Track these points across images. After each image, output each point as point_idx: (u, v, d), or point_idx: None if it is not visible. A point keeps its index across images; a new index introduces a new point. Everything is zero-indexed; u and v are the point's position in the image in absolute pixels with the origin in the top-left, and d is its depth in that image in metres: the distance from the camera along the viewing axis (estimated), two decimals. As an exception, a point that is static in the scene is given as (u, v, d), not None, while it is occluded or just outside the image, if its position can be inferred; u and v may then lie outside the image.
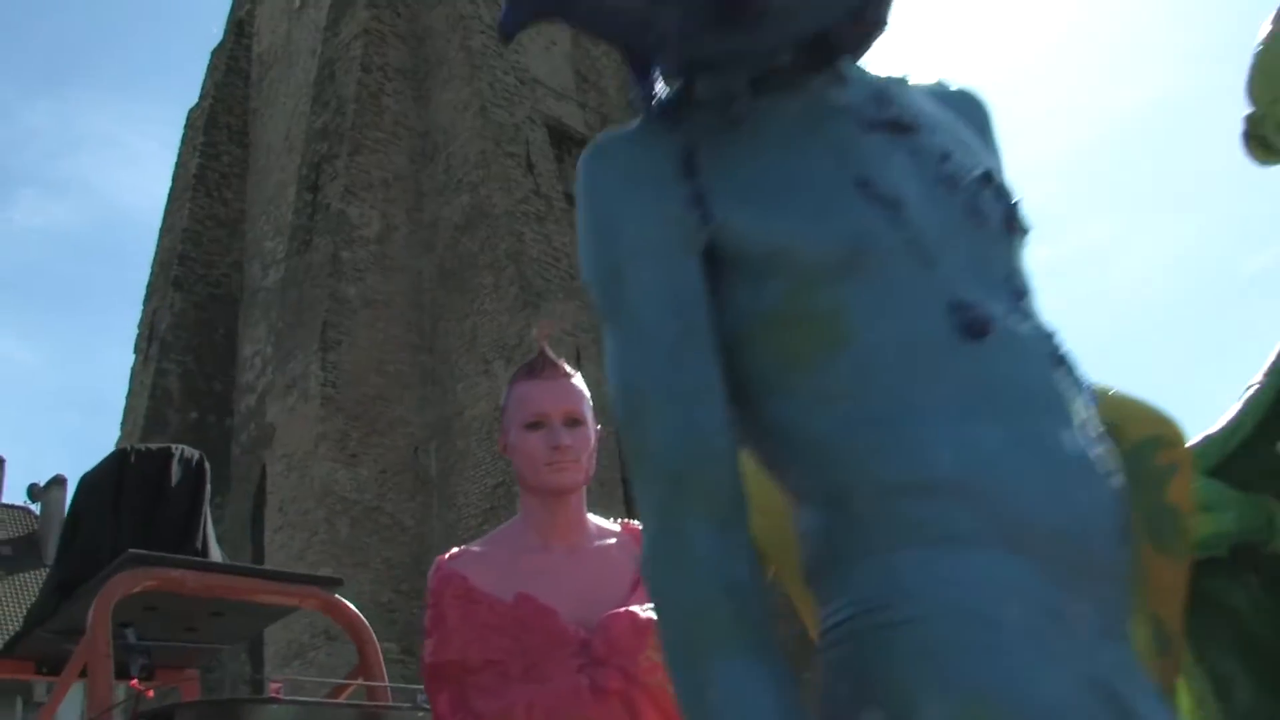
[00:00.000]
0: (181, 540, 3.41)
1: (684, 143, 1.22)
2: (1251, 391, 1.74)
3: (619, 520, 2.20)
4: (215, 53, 28.78)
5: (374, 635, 4.01)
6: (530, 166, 21.64)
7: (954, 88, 1.40)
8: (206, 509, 4.76)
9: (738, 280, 1.18)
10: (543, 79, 24.67)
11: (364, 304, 20.50)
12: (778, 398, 1.17)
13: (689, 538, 1.10)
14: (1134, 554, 1.17)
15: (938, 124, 1.29)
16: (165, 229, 26.59)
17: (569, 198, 22.60)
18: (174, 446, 4.72)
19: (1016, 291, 1.21)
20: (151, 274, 26.26)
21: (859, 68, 1.30)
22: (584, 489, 2.12)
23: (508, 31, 1.19)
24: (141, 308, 25.94)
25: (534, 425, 2.08)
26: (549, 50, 26.09)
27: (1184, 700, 1.71)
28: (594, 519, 2.11)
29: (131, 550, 4.93)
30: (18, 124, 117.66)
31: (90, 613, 4.41)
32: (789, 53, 1.21)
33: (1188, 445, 1.48)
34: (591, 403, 2.14)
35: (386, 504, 19.37)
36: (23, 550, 32.87)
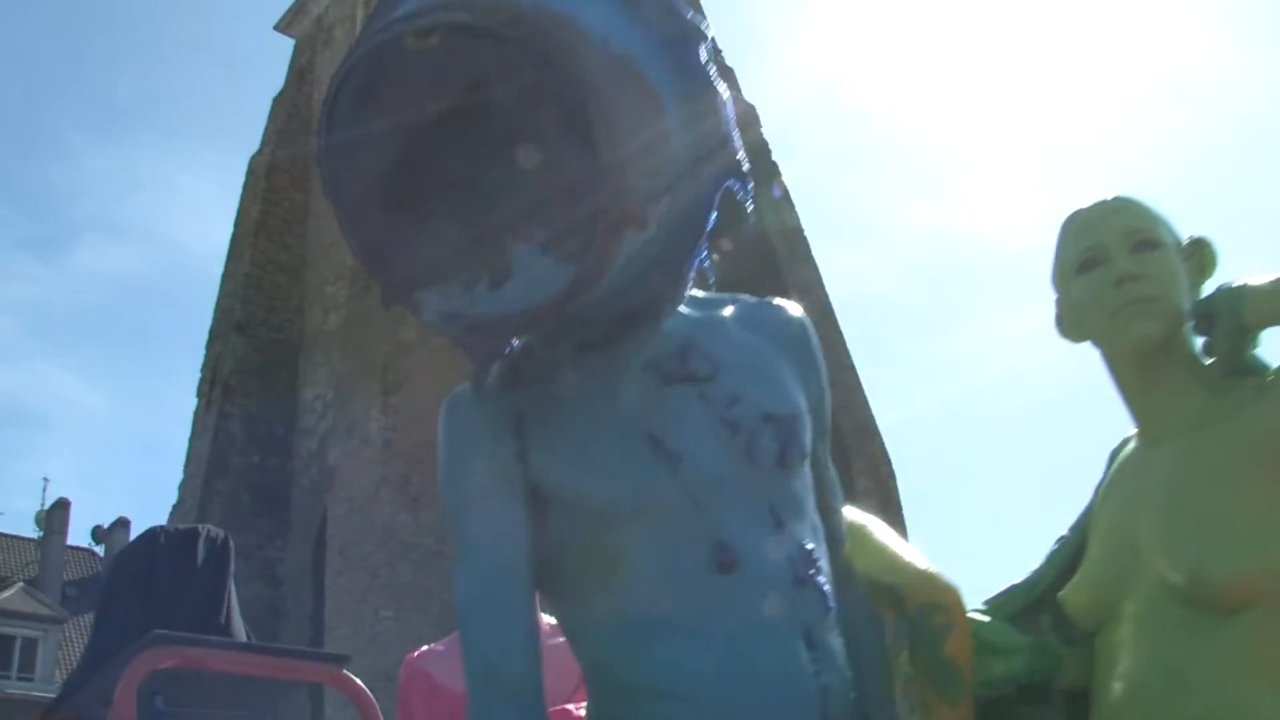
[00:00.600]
0: (206, 617, 3.63)
1: (516, 406, 1.49)
2: (1058, 545, 1.94)
3: None
4: (277, 100, 29.13)
5: (379, 711, 4.06)
6: (589, 210, 21.74)
7: (777, 311, 1.71)
8: (231, 586, 5.10)
9: (554, 515, 1.47)
10: (601, 123, 24.78)
11: (424, 347, 20.57)
12: (577, 608, 1.51)
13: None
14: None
15: (738, 364, 1.55)
16: (228, 274, 26.87)
17: (627, 240, 22.68)
18: (200, 526, 5.07)
19: (779, 520, 1.47)
20: (214, 319, 26.53)
21: (679, 315, 1.56)
22: None
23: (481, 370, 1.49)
24: (205, 352, 26.21)
25: None
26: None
27: None
28: (546, 619, 1.84)
29: (156, 631, 5.57)
30: (81, 170, 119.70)
31: (118, 687, 4.72)
32: (606, 325, 1.46)
33: (965, 607, 1.68)
34: None
35: (448, 547, 19.36)
36: (88, 591, 33.20)
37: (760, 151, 27.40)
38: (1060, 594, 1.86)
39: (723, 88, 1.43)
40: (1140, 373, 1.84)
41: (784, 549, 1.46)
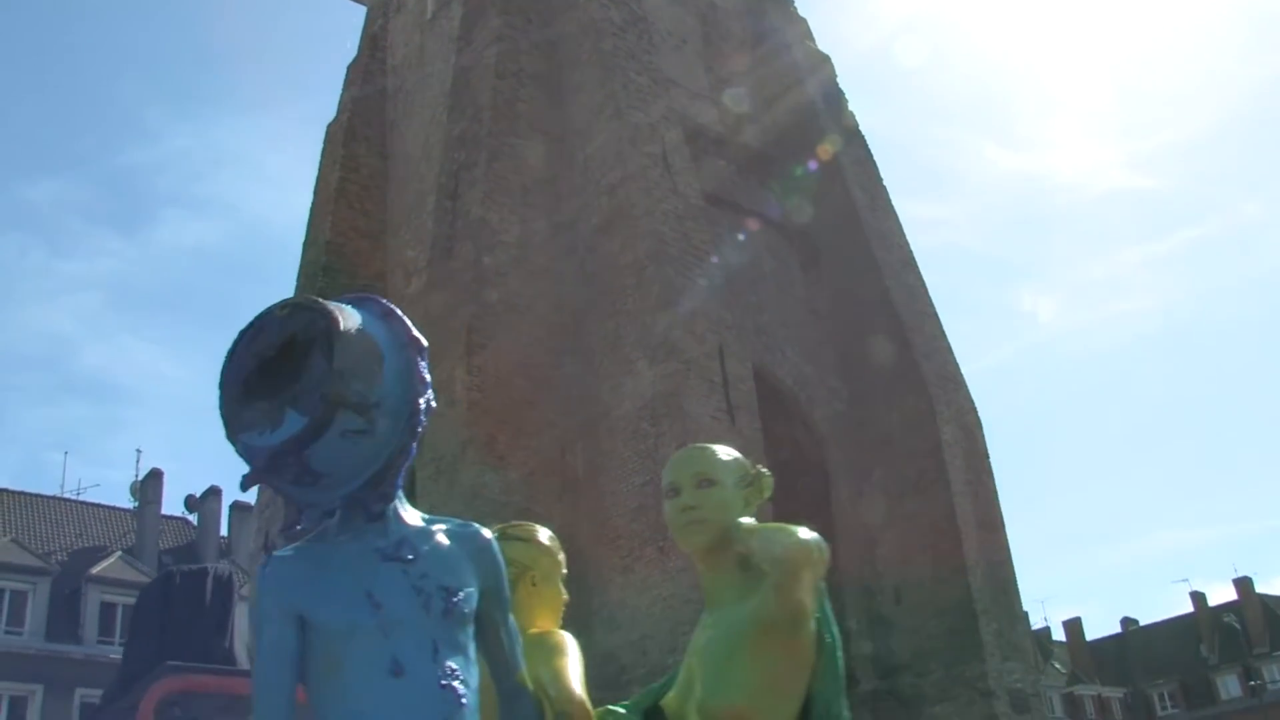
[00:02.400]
0: (213, 643, 4.18)
1: (299, 568, 2.49)
2: (674, 668, 3.05)
3: None
4: (351, 67, 29.24)
5: None
6: (667, 166, 21.60)
7: (472, 531, 2.67)
8: (234, 615, 5.95)
9: (309, 633, 2.43)
10: (676, 79, 24.60)
11: (507, 308, 20.63)
12: (317, 695, 2.44)
13: None
14: None
15: (432, 556, 2.55)
16: (308, 243, 27.09)
17: (708, 197, 22.51)
18: (210, 566, 5.94)
19: (436, 649, 2.43)
20: (297, 287, 26.77)
21: (399, 522, 2.59)
22: None
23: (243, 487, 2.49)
24: (289, 320, 26.41)
25: None
26: (680, 49, 26.06)
27: None
28: None
29: (169, 662, 7.38)
30: (161, 147, 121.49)
31: (142, 706, 6.72)
32: (339, 504, 2.49)
33: (587, 711, 2.77)
34: None
35: (535, 505, 19.44)
36: (182, 559, 33.80)
37: (833, 100, 27.10)
38: (663, 700, 3.02)
39: (423, 368, 2.64)
40: (702, 563, 3.01)
41: (436, 667, 2.44)
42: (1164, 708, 63.52)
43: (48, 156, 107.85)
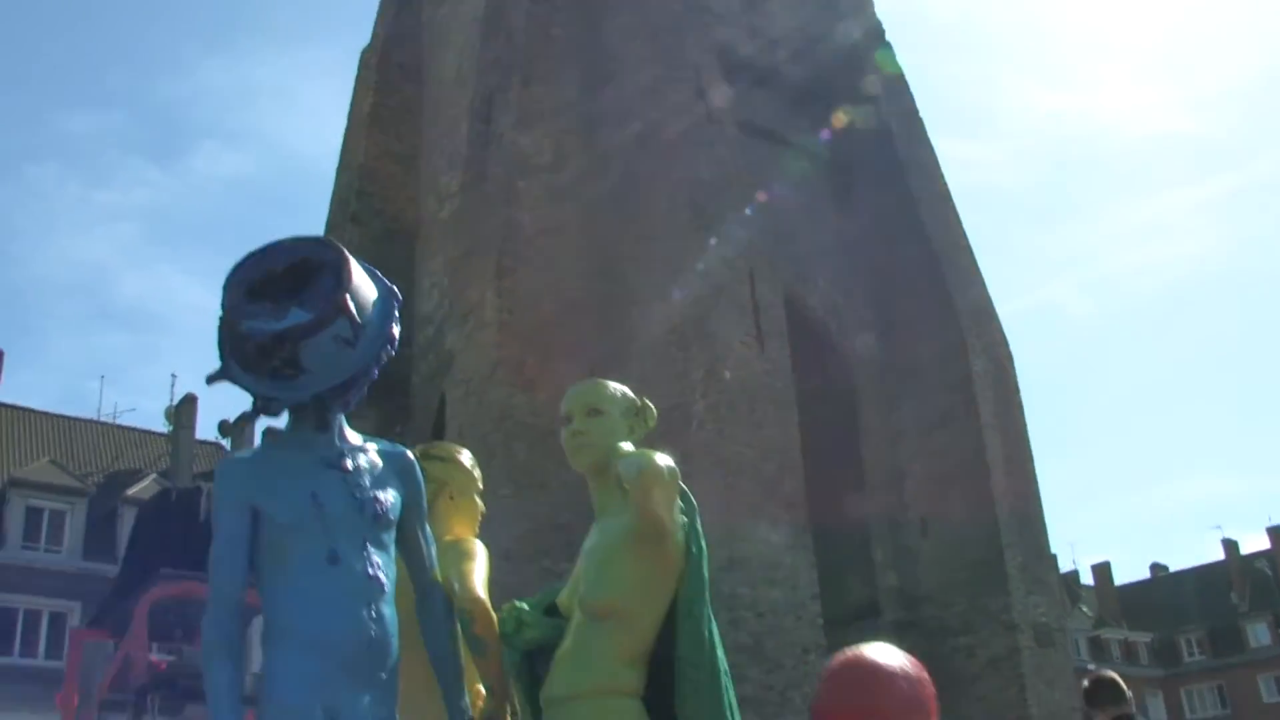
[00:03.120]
0: (206, 554, 4.36)
1: (254, 468, 3.01)
2: (569, 570, 3.56)
3: None
4: (386, -7, 29.12)
5: None
6: (702, 92, 21.47)
7: (398, 451, 3.23)
8: None
9: (260, 524, 2.93)
10: (710, 5, 24.38)
11: (538, 232, 20.62)
12: (266, 582, 2.94)
13: (218, 622, 2.85)
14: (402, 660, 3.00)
15: (366, 467, 3.08)
16: (342, 166, 27.12)
17: (742, 126, 22.36)
18: (203, 485, 6.12)
19: (364, 545, 2.96)
20: (330, 211, 26.83)
21: (342, 438, 3.10)
22: None
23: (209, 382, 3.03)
24: (322, 243, 26.50)
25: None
26: (717, -24, 25.80)
27: None
28: None
29: (163, 569, 8.85)
30: (196, 78, 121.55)
31: (136, 611, 7.96)
32: (306, 401, 2.98)
33: (484, 607, 3.29)
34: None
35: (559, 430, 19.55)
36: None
37: (872, 32, 26.82)
38: (558, 598, 3.53)
39: (396, 317, 3.24)
40: (592, 480, 3.56)
41: (365, 561, 2.97)
42: (1191, 654, 63.49)
43: (85, 89, 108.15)
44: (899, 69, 26.54)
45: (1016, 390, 23.71)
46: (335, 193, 26.90)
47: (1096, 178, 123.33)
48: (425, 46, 28.10)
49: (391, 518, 3.07)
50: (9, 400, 37.83)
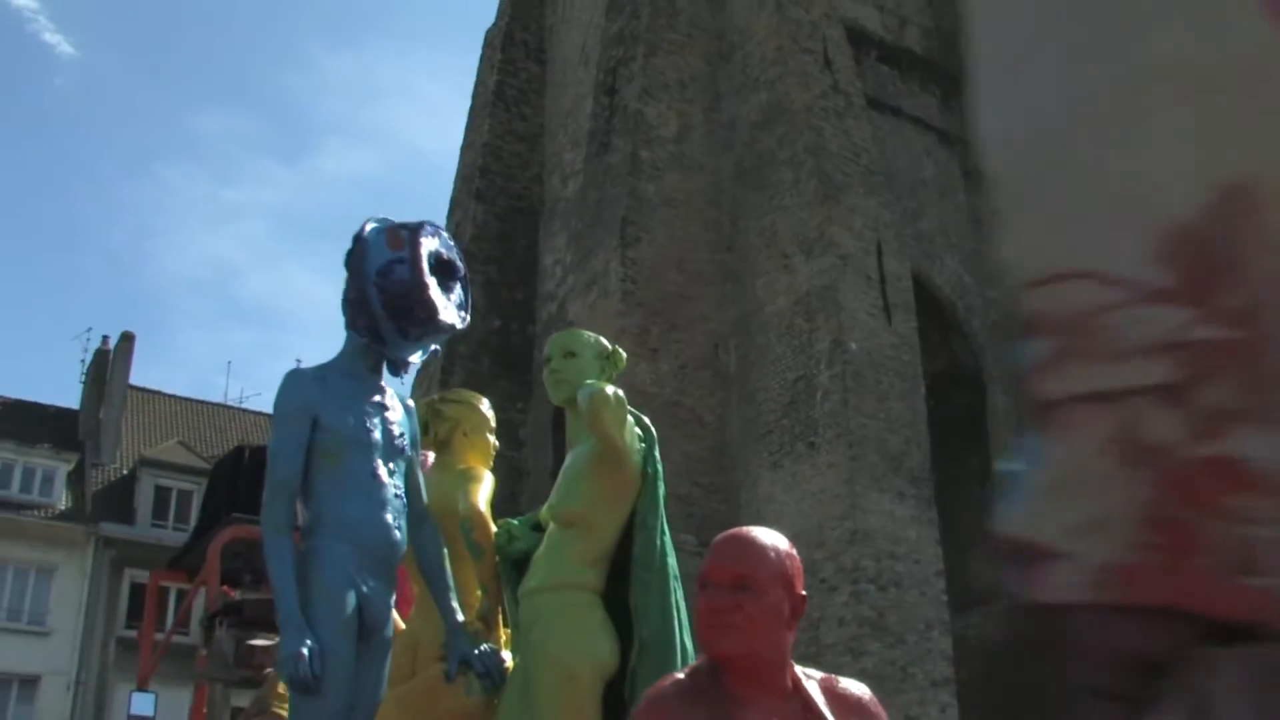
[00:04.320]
0: None
1: (320, 382, 3.64)
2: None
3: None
4: (511, -27, 29.27)
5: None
6: (828, 63, 21.17)
7: (403, 397, 3.87)
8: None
9: (317, 433, 3.56)
10: (838, -21, 24.07)
11: (663, 202, 20.49)
12: (317, 478, 3.56)
13: (278, 505, 3.52)
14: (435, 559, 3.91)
15: (394, 406, 3.73)
16: (466, 145, 27.27)
17: (869, 99, 22.01)
18: None
19: (393, 470, 3.62)
20: (454, 189, 27.01)
21: (382, 380, 3.79)
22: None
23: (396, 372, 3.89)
24: (445, 222, 26.72)
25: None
26: (843, -49, 25.48)
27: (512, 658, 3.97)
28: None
29: (234, 514, 9.60)
30: (322, 76, 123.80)
31: (209, 550, 8.65)
32: (399, 355, 3.76)
33: (482, 517, 4.04)
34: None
35: (686, 398, 19.37)
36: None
37: None
38: (541, 513, 4.00)
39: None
40: (568, 414, 4.04)
41: (392, 482, 3.63)
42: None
43: (214, 88, 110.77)
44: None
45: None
46: (459, 170, 27.07)
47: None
48: (548, 26, 28.17)
49: (409, 453, 3.77)
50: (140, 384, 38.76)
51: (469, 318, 3.81)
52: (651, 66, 21.57)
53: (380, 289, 3.62)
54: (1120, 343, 0.51)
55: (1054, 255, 0.52)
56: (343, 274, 3.75)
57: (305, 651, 3.30)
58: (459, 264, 3.82)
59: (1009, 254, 0.59)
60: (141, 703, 13.22)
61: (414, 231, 3.72)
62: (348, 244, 3.73)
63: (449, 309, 3.70)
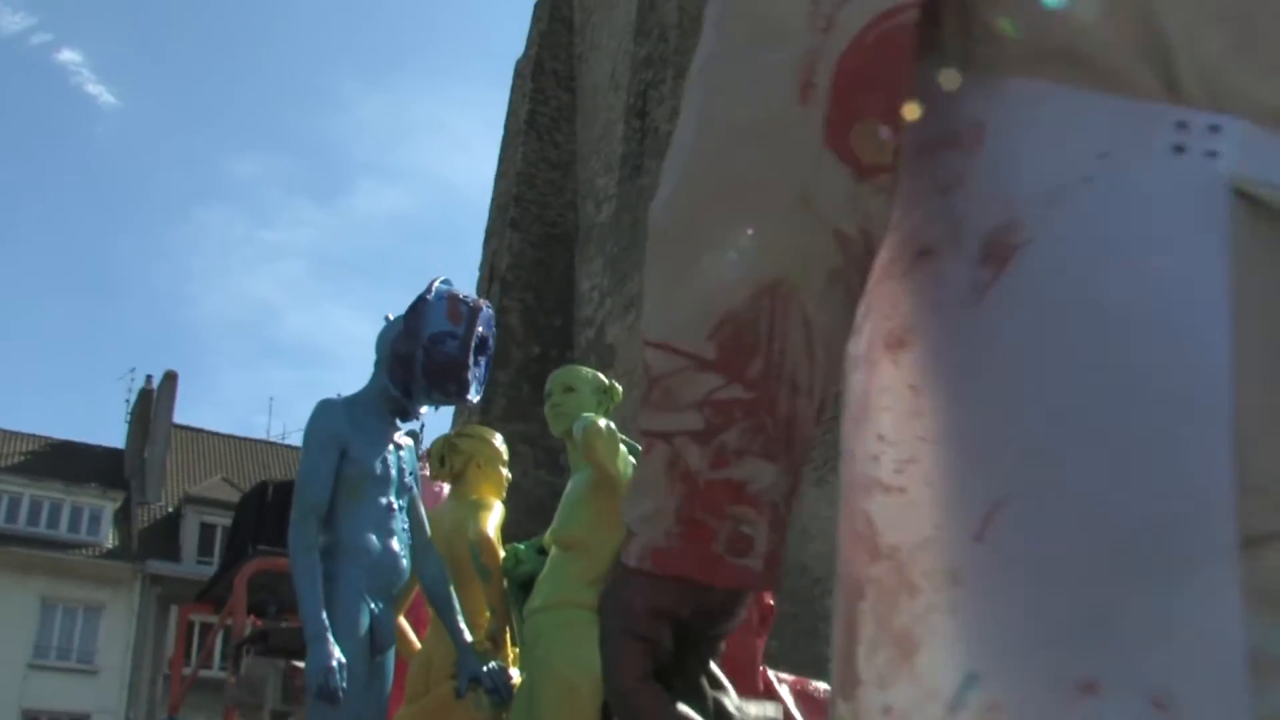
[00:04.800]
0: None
1: (349, 418, 4.01)
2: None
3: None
4: (539, 4, 29.46)
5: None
6: (858, 78, 21.21)
7: (409, 437, 4.24)
8: None
9: (344, 463, 3.93)
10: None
11: (696, 223, 20.53)
12: (339, 506, 3.91)
13: (306, 528, 3.82)
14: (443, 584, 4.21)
15: (406, 449, 4.14)
16: (500, 174, 27.44)
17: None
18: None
19: (399, 504, 4.04)
20: (490, 217, 27.15)
21: (410, 429, 4.22)
22: None
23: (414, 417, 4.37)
24: (481, 251, 26.88)
25: None
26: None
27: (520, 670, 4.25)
28: None
29: (259, 547, 10.05)
30: (355, 117, 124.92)
31: (235, 581, 9.09)
32: (416, 408, 4.19)
33: (491, 546, 4.43)
34: None
35: (727, 418, 19.36)
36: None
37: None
38: (545, 538, 4.24)
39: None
40: (568, 445, 4.23)
41: (400, 512, 4.04)
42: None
43: (250, 132, 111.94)
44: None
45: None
46: (494, 199, 27.22)
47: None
48: (577, 54, 28.33)
49: (413, 489, 4.15)
50: (184, 422, 39.06)
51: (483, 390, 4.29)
52: (681, 88, 21.52)
53: (427, 354, 4.01)
54: (677, 399, 0.79)
55: (653, 325, 0.82)
56: (381, 311, 4.28)
57: (334, 665, 3.67)
58: (491, 341, 4.18)
59: (645, 310, 0.86)
60: None
61: (474, 312, 4.07)
62: (384, 281, 4.22)
63: (475, 388, 4.09)
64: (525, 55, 28.77)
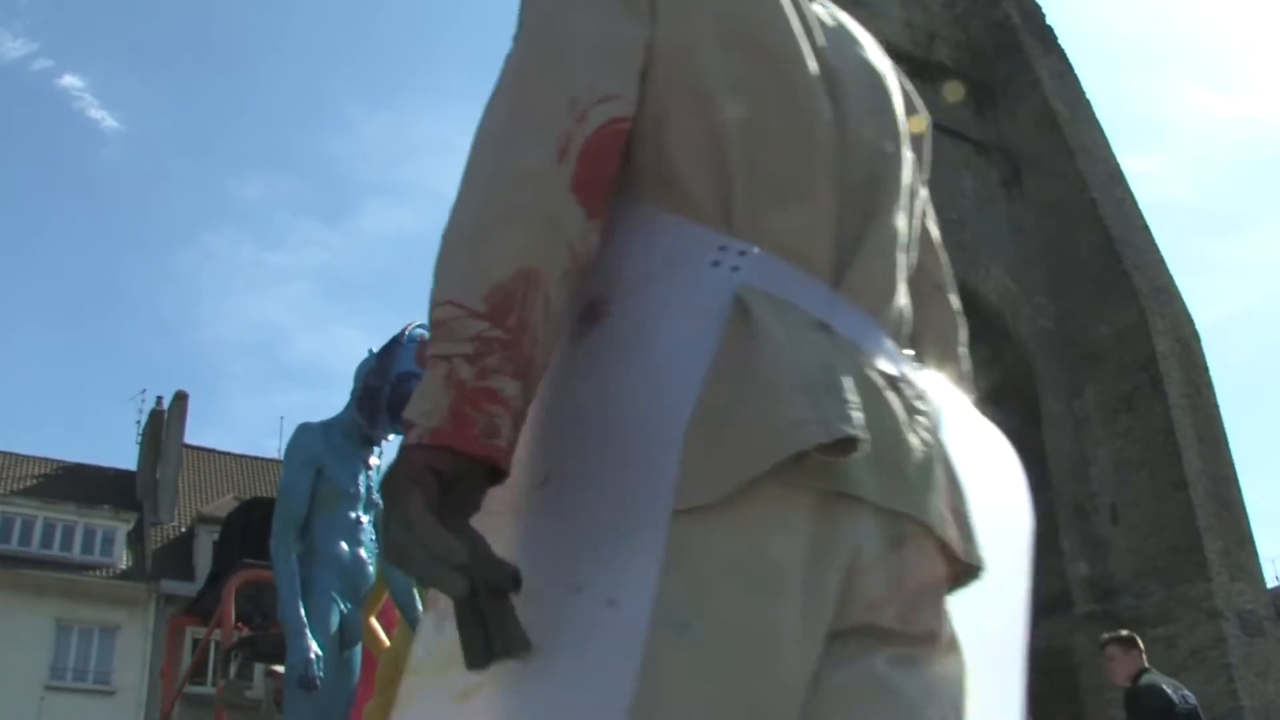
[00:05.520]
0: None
1: (321, 437, 4.70)
2: None
3: None
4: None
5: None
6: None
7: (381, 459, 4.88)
8: None
9: (319, 481, 4.54)
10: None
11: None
12: (314, 518, 4.48)
13: (285, 537, 4.41)
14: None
15: (375, 464, 4.76)
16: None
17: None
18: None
19: (365, 519, 4.67)
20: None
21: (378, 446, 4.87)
22: None
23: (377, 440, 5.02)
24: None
25: None
26: (869, -29, 25.63)
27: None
28: None
29: (244, 560, 11.67)
30: (360, 137, 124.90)
31: (224, 591, 9.42)
32: (380, 436, 4.79)
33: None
34: None
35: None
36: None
37: (1030, 15, 26.34)
38: None
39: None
40: None
41: (366, 525, 4.71)
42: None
43: (254, 154, 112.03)
44: (1064, 56, 26.00)
45: (1205, 369, 22.82)
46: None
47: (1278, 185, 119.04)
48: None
49: (379, 505, 4.43)
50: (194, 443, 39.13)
51: None
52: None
53: (394, 390, 4.47)
54: (457, 334, 1.14)
55: (444, 289, 1.20)
56: (389, 331, 4.81)
57: (313, 657, 4.15)
58: None
59: (436, 282, 1.25)
60: None
61: None
62: (392, 301, 4.59)
63: None
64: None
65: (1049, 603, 21.50)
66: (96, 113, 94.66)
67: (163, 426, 36.28)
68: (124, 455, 58.82)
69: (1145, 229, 23.94)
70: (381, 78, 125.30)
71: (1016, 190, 24.41)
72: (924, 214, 1.58)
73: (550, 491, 1.21)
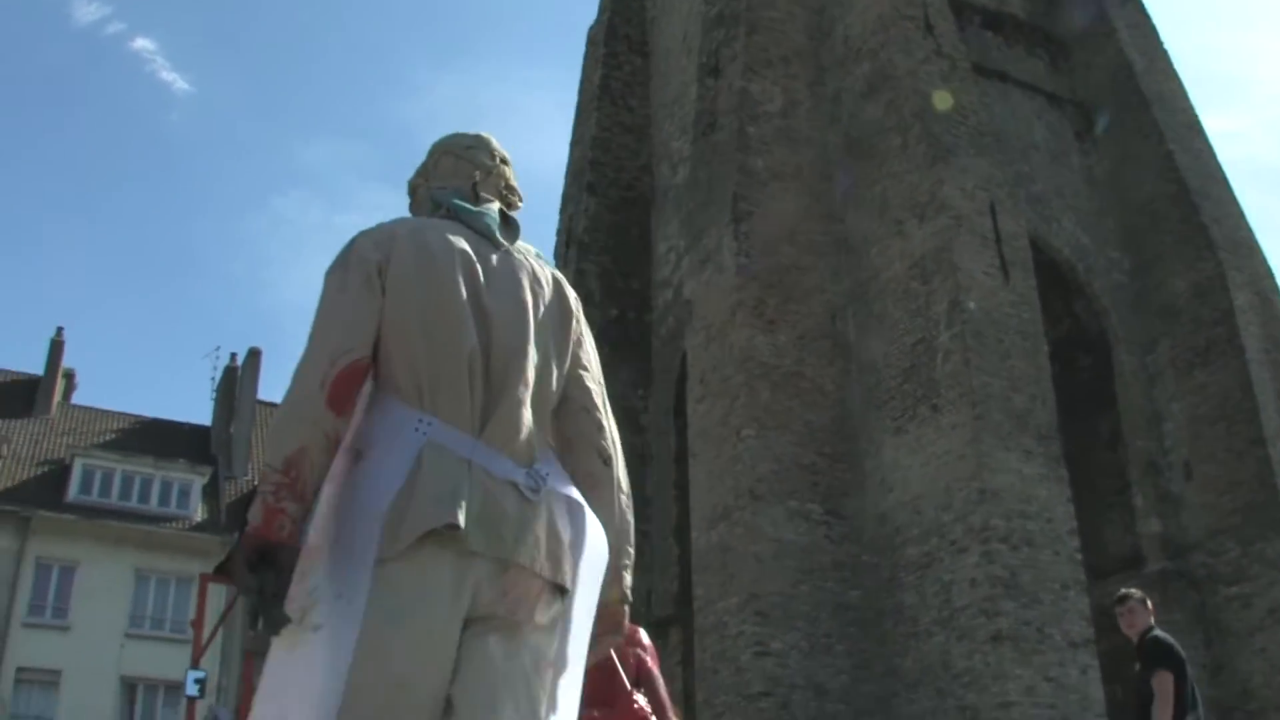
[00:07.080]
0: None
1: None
2: None
3: None
4: (610, -31, 29.56)
5: None
6: (929, 28, 21.02)
7: None
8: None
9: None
10: (937, -51, 23.88)
11: (772, 176, 20.49)
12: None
13: None
14: None
15: None
16: (575, 140, 27.56)
17: (974, 66, 21.79)
18: None
19: None
20: (566, 183, 27.29)
21: None
22: None
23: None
24: (558, 216, 27.06)
25: None
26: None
27: None
28: None
29: None
30: (430, 99, 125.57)
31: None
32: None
33: None
34: None
35: (806, 369, 19.30)
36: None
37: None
38: None
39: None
40: None
41: None
42: None
43: (324, 118, 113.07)
44: (1141, 6, 25.50)
45: (1285, 324, 22.36)
46: (570, 165, 27.34)
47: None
48: (649, 18, 28.36)
49: None
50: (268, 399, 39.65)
51: None
52: (754, 44, 21.61)
53: None
54: (266, 481, 2.37)
55: (269, 457, 2.42)
56: None
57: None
58: None
59: (265, 453, 2.68)
60: (194, 678, 16.20)
61: None
62: None
63: None
64: (598, 21, 28.85)
65: (1122, 560, 21.27)
66: (168, 75, 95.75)
67: (236, 383, 36.82)
68: (199, 411, 59.62)
69: (1224, 181, 23.49)
70: (451, 41, 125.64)
71: (1090, 143, 24.02)
72: (576, 371, 2.74)
73: (335, 541, 2.38)
